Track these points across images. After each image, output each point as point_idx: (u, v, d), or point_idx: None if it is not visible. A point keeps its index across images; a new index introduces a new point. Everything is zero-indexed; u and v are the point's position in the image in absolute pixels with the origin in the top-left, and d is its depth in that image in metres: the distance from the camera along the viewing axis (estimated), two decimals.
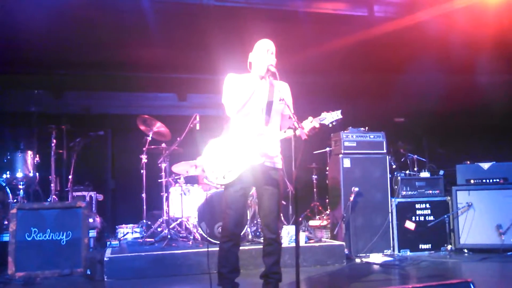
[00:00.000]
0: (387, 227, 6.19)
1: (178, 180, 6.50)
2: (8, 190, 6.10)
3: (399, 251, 6.17)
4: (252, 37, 3.80)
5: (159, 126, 6.56)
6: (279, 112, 3.73)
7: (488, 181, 6.36)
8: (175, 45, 7.02)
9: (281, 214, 4.96)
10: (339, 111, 3.58)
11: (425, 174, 6.62)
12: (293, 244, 4.75)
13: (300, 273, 3.23)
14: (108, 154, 8.28)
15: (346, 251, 5.74)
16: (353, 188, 6.07)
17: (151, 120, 6.52)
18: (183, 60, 7.46)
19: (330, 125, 3.57)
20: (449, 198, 6.43)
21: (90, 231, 5.66)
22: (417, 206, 6.35)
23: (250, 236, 5.77)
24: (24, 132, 7.40)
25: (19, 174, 6.22)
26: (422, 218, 6.32)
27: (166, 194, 6.45)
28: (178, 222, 6.31)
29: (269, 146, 3.65)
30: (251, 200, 5.81)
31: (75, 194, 6.85)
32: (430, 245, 6.28)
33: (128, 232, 6.52)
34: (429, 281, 4.10)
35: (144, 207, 6.63)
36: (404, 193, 6.40)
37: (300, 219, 6.82)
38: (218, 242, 3.76)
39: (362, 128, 6.38)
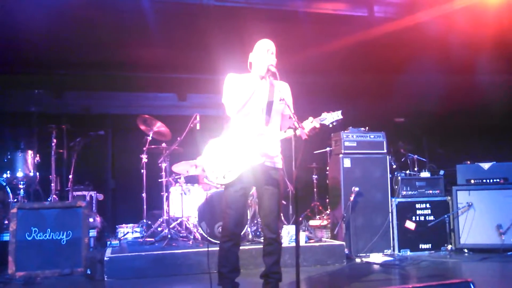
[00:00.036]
0: (387, 227, 6.20)
1: (178, 179, 6.50)
2: (8, 189, 6.10)
3: (399, 251, 6.18)
4: (252, 37, 3.80)
5: (159, 126, 6.56)
6: (280, 112, 3.73)
7: (488, 181, 6.36)
8: (175, 45, 7.02)
9: (281, 214, 4.97)
10: (340, 112, 3.58)
11: (425, 174, 6.63)
12: (293, 244, 4.75)
13: (300, 273, 3.23)
14: (108, 153, 8.29)
15: (346, 251, 5.74)
16: (353, 188, 6.08)
17: (151, 120, 6.52)
18: (183, 60, 7.46)
19: (331, 126, 3.58)
20: (449, 198, 6.43)
21: (90, 230, 5.66)
22: (417, 206, 6.35)
23: (250, 236, 5.77)
24: (24, 132, 7.40)
25: (20, 174, 6.22)
26: (422, 218, 6.33)
27: (166, 194, 6.45)
28: (178, 221, 6.31)
29: (269, 146, 3.65)
30: (251, 200, 5.81)
31: (75, 193, 6.85)
32: (430, 245, 6.28)
33: (128, 231, 6.52)
34: (429, 281, 4.09)
35: (144, 206, 6.64)
36: (404, 193, 6.41)
37: (300, 219, 6.82)
38: (218, 242, 3.76)
39: (363, 128, 6.38)
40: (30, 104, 7.48)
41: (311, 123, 3.49)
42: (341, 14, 6.56)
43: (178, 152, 6.47)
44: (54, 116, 7.43)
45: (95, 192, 7.23)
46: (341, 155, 6.22)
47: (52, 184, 6.34)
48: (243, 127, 3.67)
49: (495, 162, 6.41)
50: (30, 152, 6.36)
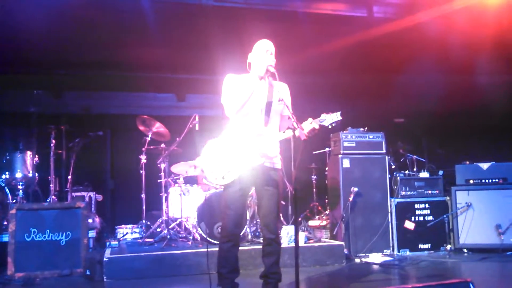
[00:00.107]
0: (387, 227, 6.20)
1: (177, 180, 6.50)
2: (7, 190, 6.09)
3: (398, 251, 6.18)
4: (251, 37, 3.80)
5: (158, 127, 6.56)
6: (279, 112, 3.73)
7: (487, 181, 6.36)
8: (174, 45, 7.02)
9: (281, 214, 4.96)
10: (339, 113, 3.58)
11: (424, 174, 6.63)
12: (293, 244, 4.74)
13: (300, 273, 3.23)
14: (107, 154, 8.28)
15: (345, 251, 5.74)
16: (352, 188, 6.08)
17: (150, 121, 6.52)
18: (182, 61, 7.46)
19: (330, 127, 3.58)
20: (448, 198, 6.44)
21: (89, 231, 5.66)
22: (417, 206, 6.36)
23: (249, 236, 5.77)
24: (23, 132, 7.39)
25: (18, 175, 6.21)
26: (421, 218, 6.33)
27: (165, 195, 6.45)
28: (177, 222, 6.31)
29: (268, 146, 3.65)
30: (251, 200, 5.81)
31: (74, 194, 6.84)
32: (429, 245, 6.29)
33: (127, 232, 6.51)
34: (429, 281, 4.09)
35: (144, 207, 6.63)
36: (403, 193, 6.41)
37: (300, 219, 6.82)
38: (218, 243, 3.77)
39: (362, 129, 6.38)
40: (29, 104, 7.47)
41: (310, 124, 3.49)
42: (340, 15, 6.56)
43: (177, 152, 6.47)
44: (53, 117, 7.42)
45: (94, 192, 7.22)
46: (340, 156, 6.22)
47: (51, 185, 6.33)
48: (242, 127, 3.66)
49: (494, 162, 6.41)
50: (29, 152, 6.35)
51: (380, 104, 8.09)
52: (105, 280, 4.87)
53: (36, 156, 6.44)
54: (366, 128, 6.39)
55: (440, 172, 6.66)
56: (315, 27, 6.64)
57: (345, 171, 6.20)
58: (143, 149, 6.52)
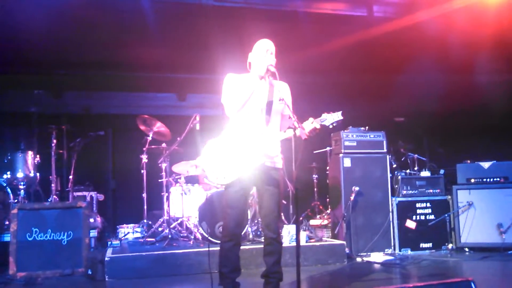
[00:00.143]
0: (388, 226, 6.20)
1: (178, 179, 6.50)
2: (9, 190, 6.10)
3: (400, 250, 6.18)
4: (252, 37, 3.80)
5: (159, 126, 6.56)
6: (279, 112, 3.73)
7: (488, 180, 6.36)
8: (174, 45, 7.02)
9: (282, 214, 4.96)
10: (340, 112, 3.58)
11: (425, 173, 6.63)
12: (294, 244, 4.75)
13: (301, 273, 3.24)
14: (108, 154, 8.29)
15: (347, 250, 5.74)
16: (353, 187, 6.08)
17: (151, 120, 6.52)
18: (182, 60, 7.46)
19: (331, 126, 3.57)
20: (449, 197, 6.44)
21: (91, 231, 5.66)
22: (418, 205, 6.36)
23: (251, 236, 5.77)
24: (24, 132, 7.39)
25: (20, 174, 6.22)
26: (422, 217, 6.33)
27: (166, 194, 6.46)
28: (178, 221, 6.31)
29: (269, 146, 3.65)
30: (252, 200, 5.81)
31: (75, 194, 6.85)
32: (431, 244, 6.29)
33: (129, 232, 6.53)
34: (430, 280, 4.09)
35: (145, 207, 6.64)
36: (404, 192, 6.41)
37: (301, 218, 6.83)
38: (219, 242, 3.77)
39: (362, 128, 6.38)
40: (30, 104, 7.46)
41: (311, 124, 3.49)
42: (340, 14, 6.56)
43: (178, 152, 6.47)
44: (54, 117, 7.44)
45: (96, 192, 7.23)
46: (341, 155, 6.22)
47: (53, 185, 6.34)
48: (243, 127, 3.66)
49: (495, 161, 6.41)
50: (30, 152, 6.36)
51: (380, 103, 8.08)
52: (106, 279, 4.88)
53: (38, 156, 6.45)
54: (367, 127, 6.39)
55: (441, 171, 6.66)
56: (315, 26, 6.64)
57: (346, 170, 6.20)
58: (144, 148, 6.53)
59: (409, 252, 6.18)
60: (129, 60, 7.34)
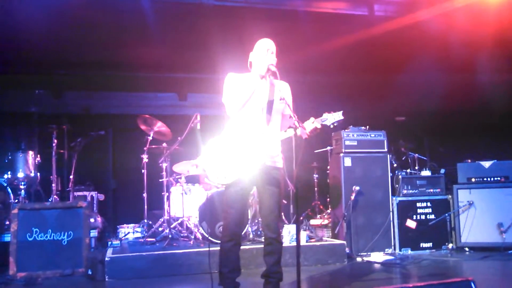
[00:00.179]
0: (388, 226, 6.19)
1: (179, 179, 6.49)
2: (9, 190, 6.10)
3: (400, 250, 6.18)
4: (252, 36, 3.80)
5: (159, 126, 6.56)
6: (280, 111, 3.73)
7: (489, 179, 6.36)
8: (175, 44, 7.02)
9: (282, 213, 4.96)
10: (341, 112, 3.57)
11: (426, 173, 6.62)
12: (294, 243, 4.75)
13: (301, 272, 3.23)
14: (109, 154, 8.29)
15: (347, 250, 5.74)
16: (354, 187, 6.07)
17: (151, 120, 6.52)
18: (183, 60, 7.46)
19: (332, 126, 3.57)
20: (450, 196, 6.43)
21: (91, 231, 5.67)
22: (418, 204, 6.35)
23: (251, 236, 5.77)
24: (25, 132, 7.39)
25: (20, 174, 6.22)
26: (423, 217, 6.32)
27: (167, 194, 6.45)
28: (179, 221, 6.31)
29: (270, 145, 3.65)
30: (252, 200, 5.81)
31: (76, 194, 6.85)
32: (431, 243, 6.28)
33: (129, 232, 6.53)
34: (430, 280, 4.09)
35: (145, 206, 6.64)
36: (405, 191, 6.40)
37: (301, 218, 6.82)
38: (219, 242, 3.76)
39: (363, 127, 6.38)
40: (30, 104, 7.47)
41: (312, 124, 3.49)
42: (341, 13, 6.55)
43: (178, 152, 6.47)
44: (55, 116, 7.41)
45: (96, 192, 7.23)
46: (341, 154, 6.22)
47: (53, 185, 6.34)
48: (244, 126, 3.66)
49: (495, 161, 6.40)
50: (31, 152, 6.36)
51: (381, 102, 8.08)
52: (107, 279, 4.88)
53: (38, 155, 6.45)
54: (367, 126, 6.39)
55: (442, 171, 6.65)
56: (315, 26, 6.63)
57: (346, 170, 6.19)
58: (145, 148, 6.53)
59: (410, 251, 6.18)
60: (130, 60, 7.34)
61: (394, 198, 6.29)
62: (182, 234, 6.13)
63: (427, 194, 6.44)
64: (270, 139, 3.63)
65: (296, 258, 3.22)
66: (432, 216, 6.33)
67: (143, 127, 6.57)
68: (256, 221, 5.93)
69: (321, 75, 8.09)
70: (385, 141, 6.39)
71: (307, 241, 5.73)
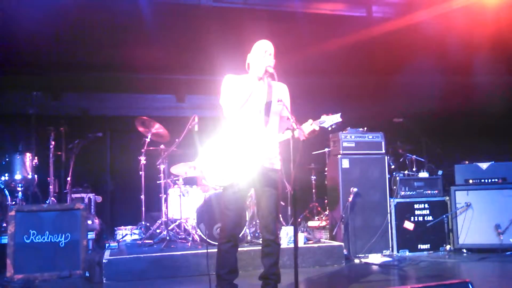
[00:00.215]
0: (386, 227, 6.19)
1: (176, 181, 6.49)
2: (6, 192, 6.09)
3: (398, 252, 6.18)
4: (250, 38, 3.80)
5: (157, 128, 6.55)
6: (278, 113, 3.73)
7: (486, 181, 6.36)
8: (173, 46, 7.02)
9: (280, 215, 4.96)
10: (339, 114, 3.57)
11: (423, 174, 6.62)
12: (292, 245, 4.74)
13: (299, 274, 3.23)
14: (106, 155, 8.27)
15: (345, 251, 5.74)
16: (351, 188, 6.07)
17: (149, 122, 6.51)
18: (181, 61, 7.46)
19: (330, 128, 3.57)
20: (447, 198, 6.43)
21: (88, 233, 5.65)
22: (416, 206, 6.35)
23: (249, 237, 5.76)
24: (22, 134, 7.38)
25: (18, 176, 6.20)
26: (421, 218, 6.32)
27: (164, 196, 6.45)
28: (177, 223, 6.30)
29: (267, 147, 3.64)
30: (250, 201, 5.80)
31: (73, 196, 6.83)
32: (429, 245, 6.28)
33: (126, 233, 6.51)
34: (428, 281, 4.09)
35: (143, 208, 6.62)
36: (402, 193, 6.40)
37: (299, 219, 6.82)
38: (217, 243, 3.76)
39: (361, 129, 6.38)
40: (28, 105, 7.45)
41: (310, 126, 3.49)
42: (339, 15, 6.57)
43: (176, 153, 6.46)
44: (52, 118, 7.40)
45: (94, 194, 7.21)
46: (339, 156, 6.22)
47: (51, 187, 6.33)
48: (241, 128, 3.66)
49: (493, 162, 6.41)
50: (28, 154, 6.34)
51: (379, 104, 8.08)
52: (104, 281, 4.86)
53: (36, 157, 6.43)
54: (365, 128, 6.39)
55: (440, 172, 6.65)
56: (314, 27, 6.65)
57: (344, 172, 6.19)
58: (143, 150, 6.51)
59: (407, 253, 6.18)
60: (128, 61, 7.34)
61: (392, 200, 6.29)
62: (179, 236, 6.12)
63: (424, 196, 6.45)
64: (268, 141, 3.63)
65: (294, 260, 3.21)
66: (430, 218, 6.33)
67: (141, 129, 6.56)
68: (254, 222, 5.92)
69: (319, 76, 8.09)
70: (383, 143, 6.39)
71: (305, 243, 5.73)
